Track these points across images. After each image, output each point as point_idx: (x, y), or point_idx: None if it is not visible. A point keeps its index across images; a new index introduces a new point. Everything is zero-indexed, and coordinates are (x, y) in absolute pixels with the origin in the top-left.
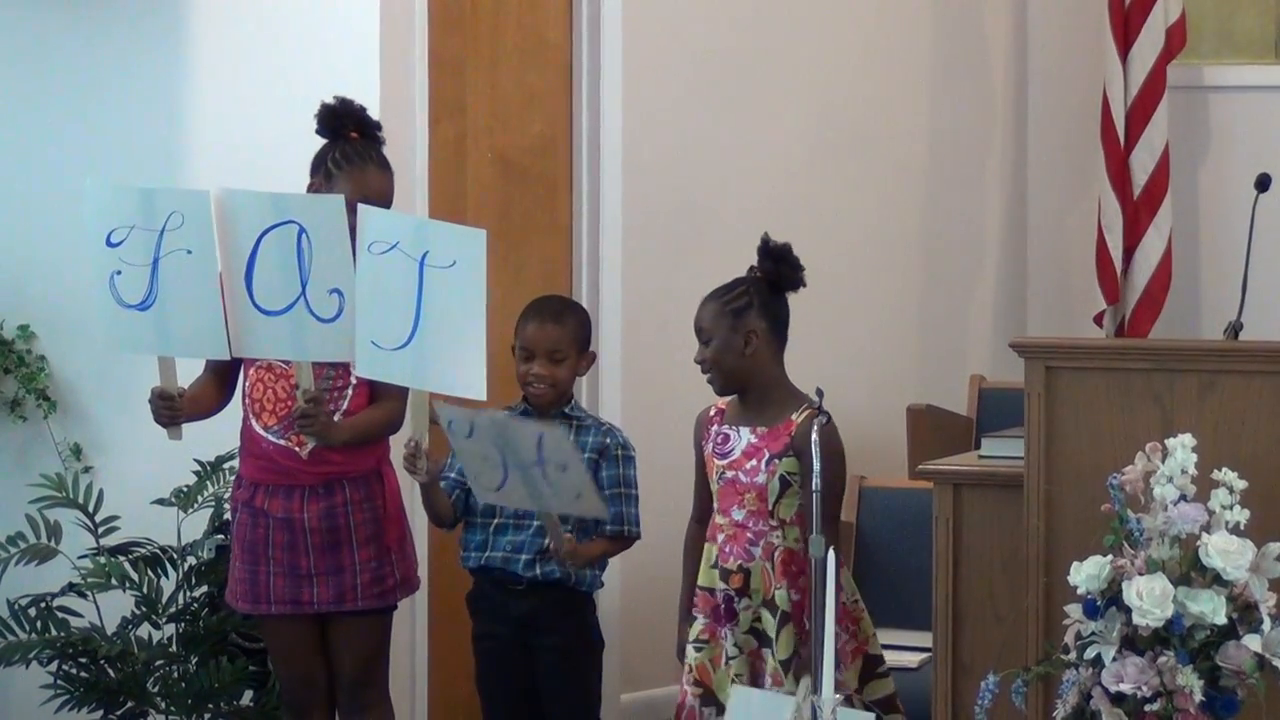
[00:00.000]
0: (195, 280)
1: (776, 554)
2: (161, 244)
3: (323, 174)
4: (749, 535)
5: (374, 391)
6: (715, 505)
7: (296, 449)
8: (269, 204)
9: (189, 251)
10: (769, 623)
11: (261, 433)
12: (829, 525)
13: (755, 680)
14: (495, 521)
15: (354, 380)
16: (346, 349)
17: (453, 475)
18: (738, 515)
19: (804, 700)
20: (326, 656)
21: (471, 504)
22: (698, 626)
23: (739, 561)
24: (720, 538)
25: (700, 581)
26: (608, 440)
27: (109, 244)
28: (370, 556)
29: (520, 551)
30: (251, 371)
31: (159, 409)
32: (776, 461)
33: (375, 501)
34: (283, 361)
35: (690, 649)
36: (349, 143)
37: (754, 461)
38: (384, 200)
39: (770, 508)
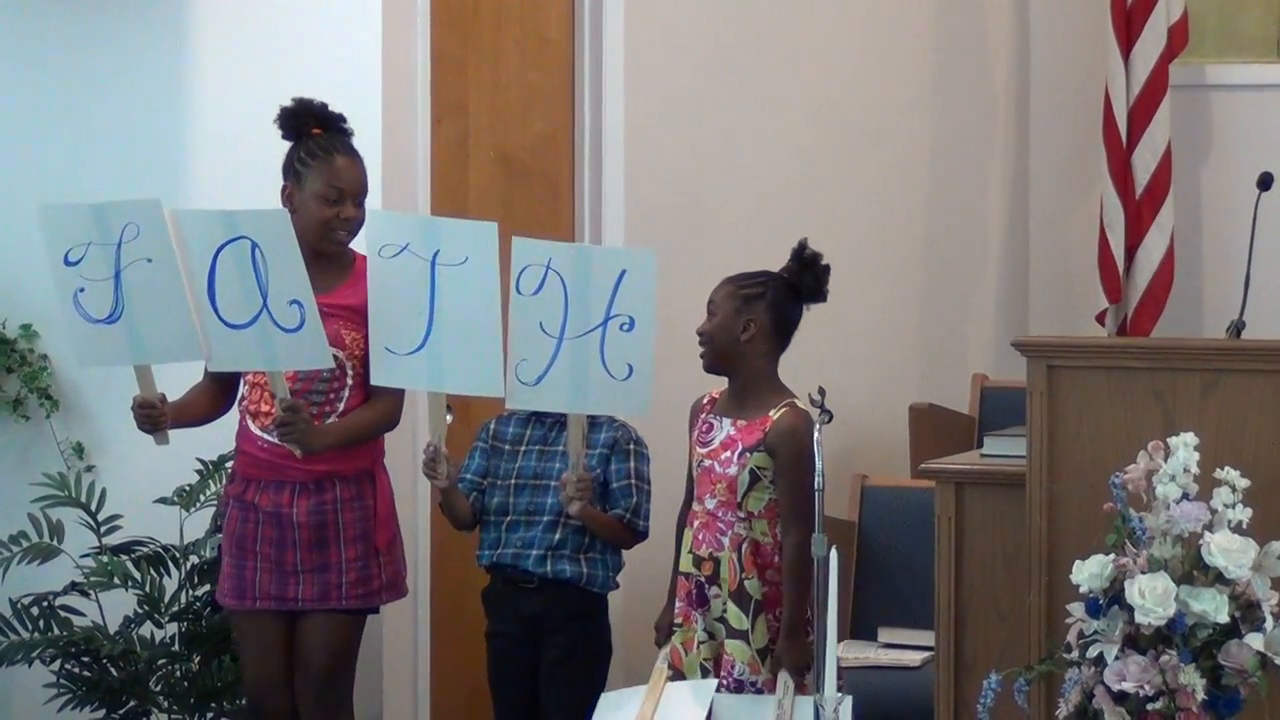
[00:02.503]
0: (160, 287)
1: (744, 546)
2: (120, 256)
3: (292, 175)
4: (719, 525)
5: (368, 391)
6: (695, 492)
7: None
8: (219, 221)
9: (149, 260)
10: (735, 614)
11: (258, 433)
12: (802, 522)
13: (718, 669)
14: (508, 519)
15: (350, 379)
16: (314, 357)
17: (469, 476)
18: (710, 504)
19: (785, 697)
20: (295, 658)
21: (486, 503)
22: (678, 608)
23: (710, 550)
24: (695, 524)
25: (681, 567)
26: (619, 435)
27: (67, 263)
28: (357, 556)
29: (530, 547)
30: (249, 375)
31: (139, 417)
32: (748, 455)
33: (366, 501)
34: None
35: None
36: (313, 139)
37: (729, 453)
38: (357, 186)
39: (739, 500)
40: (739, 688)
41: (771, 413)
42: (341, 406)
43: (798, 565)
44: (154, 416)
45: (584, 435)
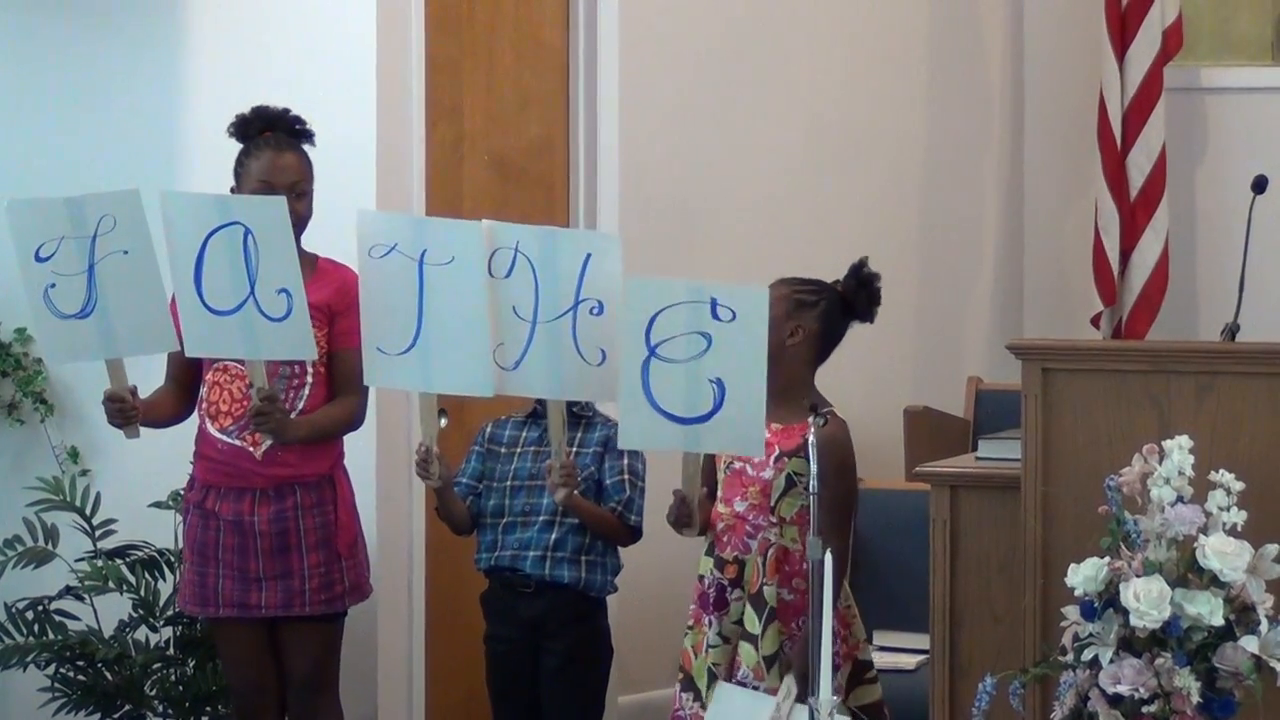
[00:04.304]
0: (136, 278)
1: (770, 551)
2: (95, 249)
3: (235, 177)
4: (747, 528)
5: (332, 388)
6: (719, 494)
7: (251, 449)
8: (214, 206)
9: (125, 252)
10: (750, 618)
11: (216, 434)
12: (839, 533)
13: (730, 672)
14: (504, 521)
15: (310, 378)
16: (298, 347)
17: (465, 480)
18: (739, 507)
19: (785, 700)
20: (277, 661)
21: (483, 506)
22: (690, 610)
23: (735, 553)
24: (719, 526)
25: (700, 569)
26: (611, 433)
27: (38, 259)
28: (319, 562)
29: (528, 548)
30: (209, 375)
31: (110, 411)
32: (785, 459)
33: (326, 507)
34: (237, 361)
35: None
36: (255, 140)
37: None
38: (287, 180)
39: (772, 504)
40: None
41: (811, 419)
42: (303, 404)
43: (834, 574)
44: (125, 410)
45: (564, 421)
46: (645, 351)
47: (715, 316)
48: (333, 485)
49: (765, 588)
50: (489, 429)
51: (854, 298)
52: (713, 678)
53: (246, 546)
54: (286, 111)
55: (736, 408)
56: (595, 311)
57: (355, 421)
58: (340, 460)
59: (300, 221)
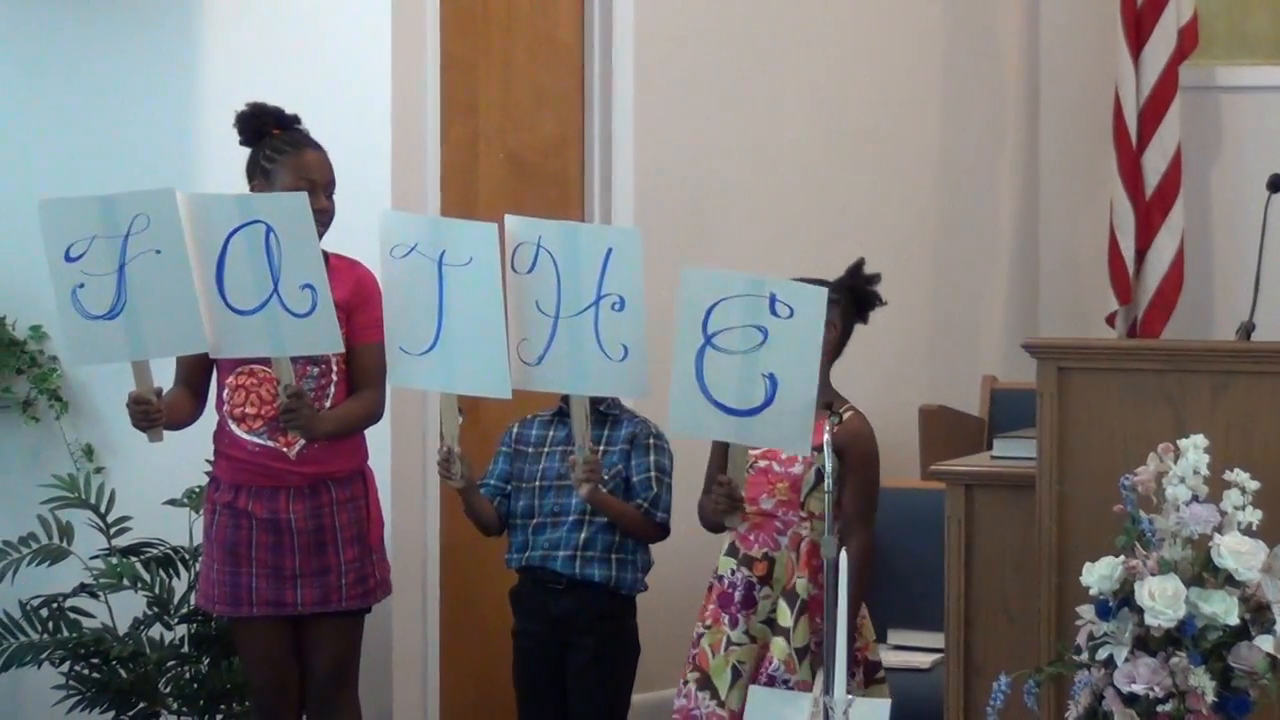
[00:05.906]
0: (168, 278)
1: (802, 545)
2: (127, 249)
3: (260, 174)
4: (777, 524)
5: (352, 384)
6: (744, 494)
7: (285, 450)
8: (234, 205)
9: (158, 251)
10: (783, 612)
11: (246, 437)
12: (866, 525)
13: (759, 669)
14: (534, 521)
15: (335, 375)
16: (324, 342)
17: (493, 481)
18: (766, 504)
19: (822, 695)
20: (300, 659)
21: (512, 507)
22: (707, 611)
23: (764, 549)
24: (742, 526)
25: (719, 569)
26: (638, 430)
27: (68, 259)
28: (355, 557)
29: (558, 548)
30: (230, 379)
31: (135, 414)
32: (814, 454)
33: (359, 502)
34: (262, 364)
35: (701, 637)
36: (274, 138)
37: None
38: (327, 178)
39: (802, 499)
40: (771, 684)
41: (828, 419)
42: (329, 403)
43: (860, 567)
44: (150, 412)
45: (587, 417)
46: (701, 339)
47: (774, 312)
48: (364, 480)
49: (798, 581)
50: (516, 429)
51: (864, 297)
52: (737, 676)
53: (281, 544)
54: (281, 110)
55: (787, 404)
56: (617, 307)
57: (376, 414)
58: (366, 456)
59: (330, 219)
